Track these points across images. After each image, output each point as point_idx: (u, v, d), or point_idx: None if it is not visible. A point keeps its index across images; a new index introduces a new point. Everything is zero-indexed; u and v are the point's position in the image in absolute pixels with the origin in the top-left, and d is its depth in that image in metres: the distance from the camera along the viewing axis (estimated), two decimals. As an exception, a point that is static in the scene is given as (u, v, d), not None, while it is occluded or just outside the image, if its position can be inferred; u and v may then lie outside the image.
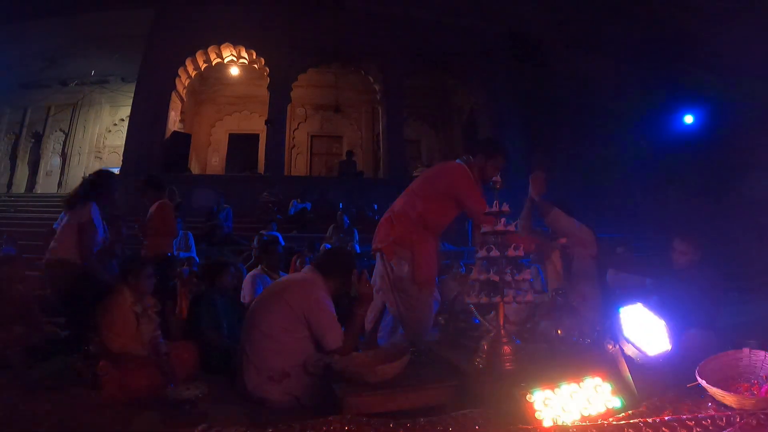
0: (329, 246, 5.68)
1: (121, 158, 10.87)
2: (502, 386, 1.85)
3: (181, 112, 12.21)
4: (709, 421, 1.54)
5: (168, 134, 10.91)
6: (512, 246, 2.19)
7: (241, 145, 13.93)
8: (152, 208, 3.98)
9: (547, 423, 1.58)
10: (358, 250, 6.35)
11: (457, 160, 2.89)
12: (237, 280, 3.85)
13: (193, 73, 11.84)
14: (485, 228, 2.30)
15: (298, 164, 14.18)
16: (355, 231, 7.02)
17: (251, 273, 3.99)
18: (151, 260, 3.21)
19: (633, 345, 1.93)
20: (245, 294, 3.82)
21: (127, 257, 3.27)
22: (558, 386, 1.67)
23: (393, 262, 2.76)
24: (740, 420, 1.54)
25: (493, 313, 2.22)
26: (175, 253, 5.72)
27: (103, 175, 3.52)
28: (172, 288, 3.85)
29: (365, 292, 2.51)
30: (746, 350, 1.89)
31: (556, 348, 2.29)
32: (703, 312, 2.85)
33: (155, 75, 10.91)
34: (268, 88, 11.45)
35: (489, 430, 1.59)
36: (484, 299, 2.16)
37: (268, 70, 11.51)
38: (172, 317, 3.54)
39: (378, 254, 2.87)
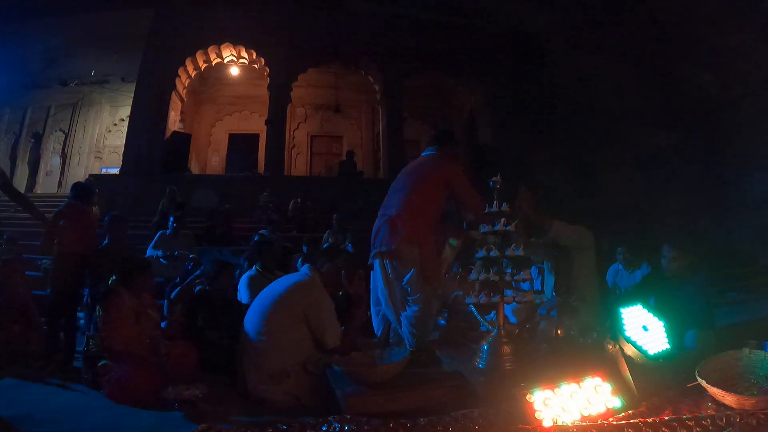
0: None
1: (121, 158, 10.88)
2: (502, 386, 1.85)
3: (181, 112, 12.21)
4: (709, 421, 1.54)
5: (168, 134, 10.91)
6: (512, 246, 2.20)
7: (241, 145, 13.92)
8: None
9: (547, 423, 1.58)
10: (351, 250, 6.33)
11: (429, 152, 2.86)
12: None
13: (193, 73, 11.84)
14: (485, 228, 2.30)
15: (298, 164, 14.17)
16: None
17: (246, 274, 3.97)
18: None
19: (633, 345, 1.93)
20: (241, 296, 3.81)
21: (128, 258, 3.26)
22: (558, 386, 1.67)
23: (397, 263, 2.64)
24: (740, 420, 1.54)
25: (493, 313, 2.22)
26: (176, 253, 5.72)
27: None
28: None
29: (356, 293, 2.52)
30: (746, 350, 1.89)
31: (556, 348, 2.29)
32: (701, 312, 2.86)
33: (155, 75, 10.90)
34: (268, 88, 11.45)
35: (489, 430, 1.59)
36: (484, 299, 2.17)
37: (268, 70, 11.51)
38: (171, 317, 3.54)
39: (378, 260, 2.72)
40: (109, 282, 2.85)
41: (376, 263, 2.73)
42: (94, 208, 8.04)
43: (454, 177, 2.71)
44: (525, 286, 2.64)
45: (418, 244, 2.59)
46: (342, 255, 2.75)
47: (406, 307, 2.63)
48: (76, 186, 4.28)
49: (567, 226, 2.88)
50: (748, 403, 1.60)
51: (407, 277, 2.60)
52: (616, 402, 1.69)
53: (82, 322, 4.03)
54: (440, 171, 2.72)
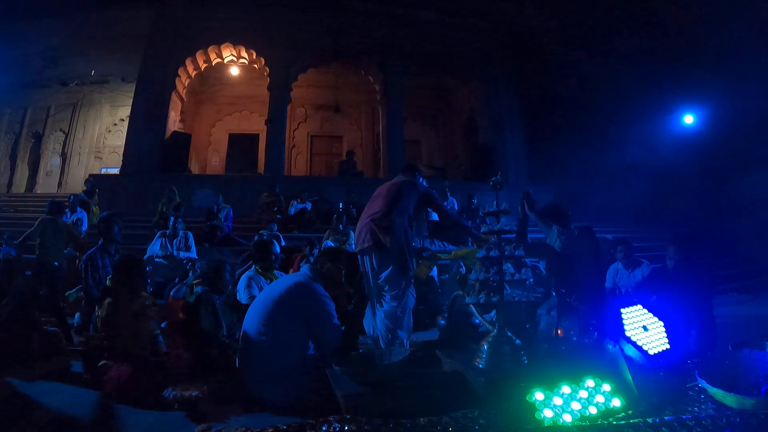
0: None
1: (121, 158, 10.88)
2: (502, 386, 1.85)
3: (181, 112, 12.21)
4: (709, 421, 1.54)
5: (168, 134, 10.91)
6: (512, 246, 2.20)
7: (241, 145, 13.93)
8: None
9: (547, 423, 1.58)
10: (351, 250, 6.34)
11: (401, 177, 3.33)
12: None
13: (193, 73, 11.84)
14: (485, 228, 2.31)
15: (298, 164, 14.18)
16: (351, 233, 7.02)
17: (246, 274, 3.97)
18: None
19: (633, 345, 1.93)
20: (240, 296, 3.81)
21: (121, 257, 3.26)
22: (558, 386, 1.67)
23: (377, 258, 2.86)
24: (740, 420, 1.54)
25: (493, 312, 2.22)
26: (176, 253, 5.73)
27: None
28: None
29: (357, 293, 2.53)
30: (746, 350, 1.89)
31: (556, 348, 2.29)
32: (702, 312, 2.86)
33: (155, 75, 10.91)
34: (268, 88, 11.45)
35: (489, 430, 1.59)
36: (484, 299, 2.16)
37: (268, 70, 11.51)
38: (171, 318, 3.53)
39: (363, 257, 2.95)
40: (108, 282, 2.85)
41: (363, 261, 2.96)
42: (93, 208, 8.08)
43: (428, 196, 3.21)
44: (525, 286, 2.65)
45: (396, 233, 2.85)
46: (342, 255, 2.75)
47: (383, 302, 2.72)
48: (49, 203, 5.08)
49: (561, 234, 2.86)
50: (748, 403, 1.60)
51: (385, 273, 2.80)
52: (616, 402, 1.68)
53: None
54: (417, 190, 3.18)
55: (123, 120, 13.03)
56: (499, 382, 1.93)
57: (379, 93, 12.24)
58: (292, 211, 8.60)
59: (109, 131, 14.01)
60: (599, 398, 1.68)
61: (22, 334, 3.07)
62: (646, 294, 3.03)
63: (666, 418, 1.57)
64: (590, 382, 1.71)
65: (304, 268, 2.68)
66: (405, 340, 2.85)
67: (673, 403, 1.71)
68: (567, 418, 1.60)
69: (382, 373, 2.05)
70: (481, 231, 2.40)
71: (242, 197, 9.10)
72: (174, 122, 11.51)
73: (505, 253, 2.20)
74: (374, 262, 2.88)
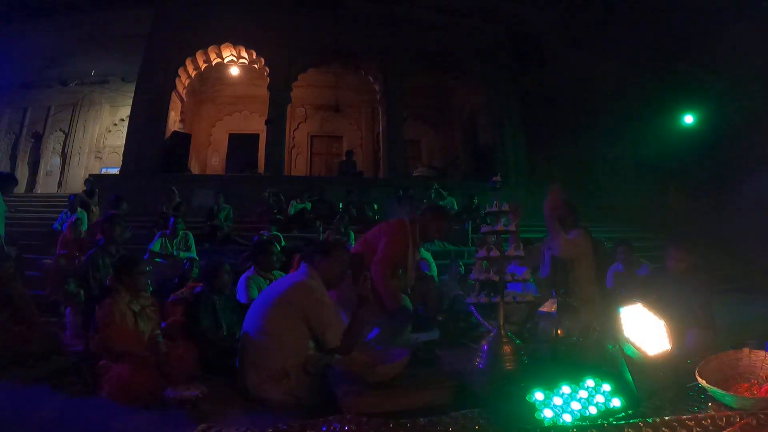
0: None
1: (121, 158, 10.88)
2: (502, 386, 1.85)
3: (181, 112, 12.22)
4: (709, 421, 1.54)
5: (168, 134, 10.92)
6: (512, 246, 2.20)
7: (241, 145, 13.94)
8: None
9: (547, 423, 1.58)
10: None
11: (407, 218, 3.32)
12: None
13: (193, 73, 11.85)
14: (485, 228, 2.31)
15: (298, 164, 14.19)
16: (351, 234, 7.02)
17: (245, 274, 3.96)
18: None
19: (633, 345, 1.93)
20: (240, 296, 3.81)
21: (120, 257, 3.25)
22: (558, 386, 1.67)
23: None
24: (740, 420, 1.54)
25: (493, 311, 2.22)
26: (176, 253, 5.73)
27: None
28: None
29: (362, 293, 2.51)
30: (746, 350, 1.89)
31: (556, 348, 2.29)
32: (701, 312, 2.87)
33: (155, 75, 10.92)
34: (268, 88, 11.46)
35: (489, 430, 1.59)
36: (484, 299, 2.16)
37: (268, 70, 11.52)
38: (170, 318, 3.53)
39: None
40: (107, 282, 2.85)
41: None
42: (93, 208, 8.08)
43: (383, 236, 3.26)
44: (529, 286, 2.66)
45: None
46: (345, 253, 2.74)
47: None
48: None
49: (573, 242, 2.84)
50: (748, 403, 1.61)
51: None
52: (616, 402, 1.68)
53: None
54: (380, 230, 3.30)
55: (123, 120, 13.03)
56: (499, 382, 1.93)
57: (379, 93, 12.24)
58: (292, 211, 8.60)
59: (109, 131, 14.01)
60: (599, 398, 1.68)
61: (22, 334, 3.07)
62: (646, 294, 3.03)
63: (666, 418, 1.57)
64: (590, 382, 1.71)
65: (303, 268, 2.67)
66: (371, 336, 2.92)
67: (673, 403, 1.71)
68: (567, 418, 1.60)
69: (382, 373, 2.05)
70: (481, 231, 2.39)
71: (242, 197, 9.09)
72: (174, 122, 11.52)
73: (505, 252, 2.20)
74: None
